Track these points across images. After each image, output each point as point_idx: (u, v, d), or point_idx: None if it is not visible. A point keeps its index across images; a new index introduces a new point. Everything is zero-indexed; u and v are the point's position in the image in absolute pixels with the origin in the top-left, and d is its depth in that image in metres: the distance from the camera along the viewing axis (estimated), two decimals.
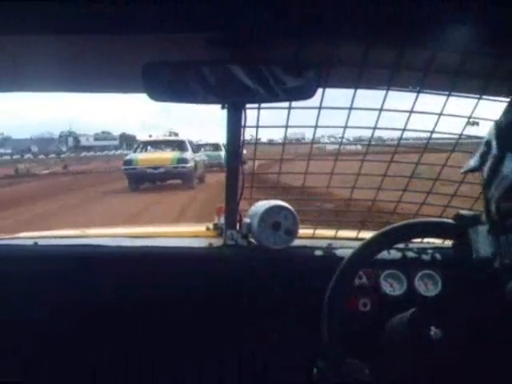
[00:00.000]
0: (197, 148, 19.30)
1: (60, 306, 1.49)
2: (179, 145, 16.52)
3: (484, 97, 1.29)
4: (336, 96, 1.41)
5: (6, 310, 1.45)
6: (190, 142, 17.17)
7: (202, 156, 17.73)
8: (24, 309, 1.47)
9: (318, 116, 1.34)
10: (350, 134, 1.69)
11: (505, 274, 0.93)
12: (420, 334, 1.14)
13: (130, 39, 1.14)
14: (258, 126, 1.39)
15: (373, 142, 1.60)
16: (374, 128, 1.38)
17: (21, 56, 1.24)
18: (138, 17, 1.03)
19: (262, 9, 1.03)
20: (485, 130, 1.07)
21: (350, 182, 1.58)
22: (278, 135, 1.72)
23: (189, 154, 15.50)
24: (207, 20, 1.05)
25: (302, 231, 1.59)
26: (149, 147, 18.06)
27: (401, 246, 1.54)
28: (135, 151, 17.39)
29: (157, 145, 18.53)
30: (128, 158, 15.97)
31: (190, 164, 14.59)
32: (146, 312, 1.53)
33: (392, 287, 1.48)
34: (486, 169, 0.94)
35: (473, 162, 0.98)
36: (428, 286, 1.48)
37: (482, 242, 1.03)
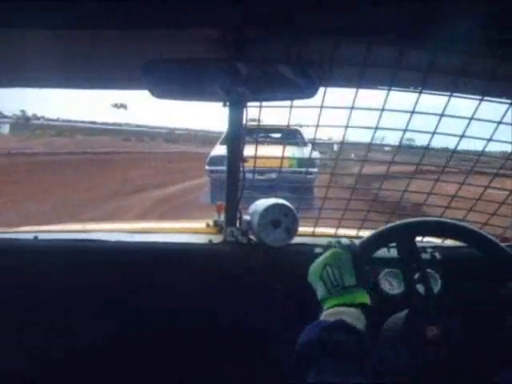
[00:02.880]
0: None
1: (60, 299, 1.49)
2: (293, 136, 9.27)
3: (486, 98, 1.29)
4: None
5: (6, 303, 1.46)
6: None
7: None
8: (24, 302, 1.47)
9: (320, 115, 1.34)
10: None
11: None
12: (418, 333, 1.14)
13: (132, 36, 1.14)
14: (259, 125, 1.39)
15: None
16: (376, 128, 1.38)
17: (22, 52, 1.24)
18: (140, 13, 1.02)
19: (264, 7, 1.02)
20: None
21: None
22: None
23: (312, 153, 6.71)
24: (209, 18, 1.05)
25: (301, 229, 1.59)
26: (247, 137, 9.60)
27: None
28: (223, 143, 10.54)
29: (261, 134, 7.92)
30: (215, 154, 9.84)
31: (316, 169, 6.78)
32: (145, 307, 1.53)
33: (391, 285, 1.48)
34: None
35: None
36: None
37: None
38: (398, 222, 1.30)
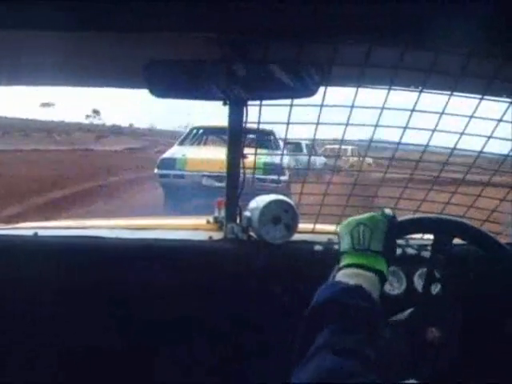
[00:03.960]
0: None
1: (60, 296, 1.50)
2: (264, 139, 7.15)
3: (486, 97, 1.29)
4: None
5: (5, 300, 1.46)
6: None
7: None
8: (24, 299, 1.47)
9: (320, 114, 1.34)
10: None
11: None
12: (418, 333, 1.15)
13: (133, 37, 1.14)
14: (259, 122, 1.39)
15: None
16: (376, 126, 1.38)
17: (24, 51, 1.24)
18: (140, 15, 1.02)
19: (265, 7, 1.02)
20: None
21: None
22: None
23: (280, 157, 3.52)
24: (210, 19, 1.04)
25: (301, 226, 1.60)
26: (207, 137, 10.28)
27: (400, 242, 1.55)
28: (183, 143, 9.43)
29: (220, 135, 8.73)
30: (168, 155, 8.57)
31: (285, 177, 5.69)
32: (145, 304, 1.53)
33: (391, 285, 1.48)
34: None
35: None
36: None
37: None
38: (441, 216, 1.29)
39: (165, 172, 8.02)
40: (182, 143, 9.41)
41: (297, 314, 1.46)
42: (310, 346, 0.81)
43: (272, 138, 6.86)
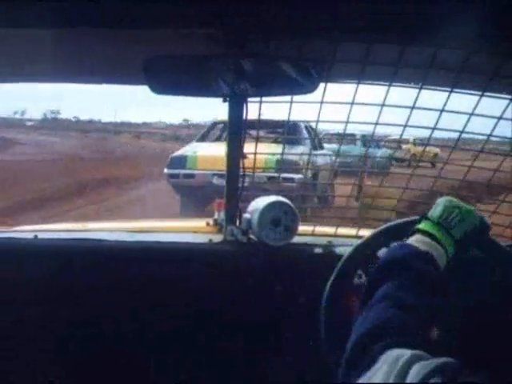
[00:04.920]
0: None
1: (60, 299, 1.49)
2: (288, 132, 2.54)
3: (486, 94, 1.30)
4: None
5: (5, 303, 1.45)
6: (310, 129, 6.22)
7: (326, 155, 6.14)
8: (24, 301, 1.47)
9: (320, 111, 1.34)
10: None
11: None
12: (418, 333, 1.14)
13: (133, 33, 1.15)
14: (259, 120, 1.39)
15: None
16: (376, 123, 1.38)
17: (24, 48, 1.25)
18: (140, 11, 1.03)
19: (265, 4, 1.03)
20: None
21: None
22: None
23: (300, 151, 4.44)
24: (210, 15, 1.05)
25: (301, 228, 1.59)
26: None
27: None
28: (203, 139, 8.40)
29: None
30: (178, 153, 7.75)
31: (299, 176, 4.40)
32: (145, 306, 1.53)
33: None
34: None
35: None
36: None
37: None
38: (398, 221, 1.29)
39: (174, 172, 7.27)
40: (201, 139, 8.34)
41: (297, 316, 1.47)
42: (373, 296, 0.86)
43: (298, 130, 6.18)
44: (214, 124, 8.75)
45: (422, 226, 1.06)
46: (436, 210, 1.08)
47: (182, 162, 7.34)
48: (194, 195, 7.05)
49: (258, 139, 1.51)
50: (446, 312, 1.19)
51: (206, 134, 8.52)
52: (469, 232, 1.07)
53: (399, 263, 0.93)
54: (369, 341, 0.75)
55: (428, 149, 1.69)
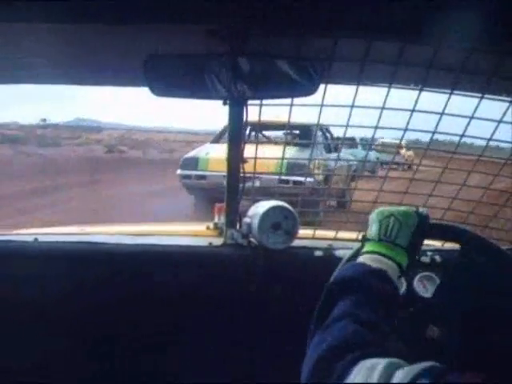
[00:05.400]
0: None
1: (60, 301, 1.49)
2: (301, 135, 6.97)
3: (486, 95, 1.29)
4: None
5: (5, 306, 1.45)
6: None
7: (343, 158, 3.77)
8: (24, 304, 1.46)
9: (320, 113, 1.34)
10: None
11: None
12: (418, 331, 1.13)
13: (132, 31, 1.14)
14: (259, 122, 1.39)
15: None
16: (376, 127, 1.38)
17: (21, 48, 1.25)
18: (139, 7, 1.03)
19: (266, 3, 1.03)
20: None
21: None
22: None
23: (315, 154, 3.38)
24: (210, 12, 1.05)
25: (302, 231, 1.59)
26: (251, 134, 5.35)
27: None
28: (218, 140, 7.97)
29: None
30: (190, 155, 7.86)
31: (309, 179, 4.10)
32: (145, 310, 1.52)
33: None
34: None
35: None
36: (427, 287, 1.47)
37: None
38: (467, 229, 1.29)
39: (186, 173, 7.36)
40: (216, 140, 8.00)
41: (297, 319, 1.46)
42: (328, 315, 0.85)
43: (310, 133, 6.05)
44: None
45: (366, 248, 1.04)
46: (372, 229, 1.07)
47: (193, 163, 7.39)
48: (204, 197, 6.95)
49: (258, 142, 1.51)
50: (446, 311, 1.19)
51: (220, 134, 8.18)
52: (413, 233, 1.06)
53: (354, 281, 0.92)
54: (334, 357, 0.73)
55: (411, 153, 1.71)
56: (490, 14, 1.00)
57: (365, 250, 1.04)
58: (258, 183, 2.08)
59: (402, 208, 1.11)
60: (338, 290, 0.91)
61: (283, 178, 3.16)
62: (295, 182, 4.30)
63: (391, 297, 0.93)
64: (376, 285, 0.91)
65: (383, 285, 0.92)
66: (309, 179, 4.10)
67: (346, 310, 0.84)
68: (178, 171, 7.44)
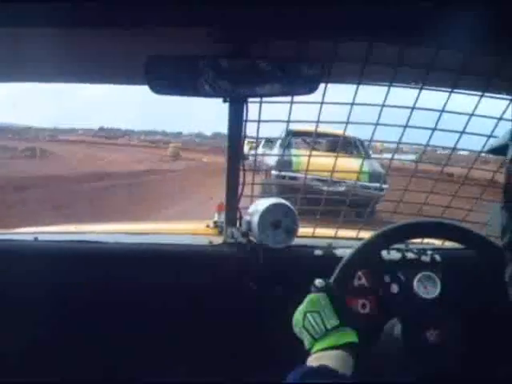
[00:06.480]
0: None
1: (59, 301, 1.49)
2: (354, 146, 7.65)
3: (486, 94, 1.30)
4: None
5: (4, 305, 1.45)
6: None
7: None
8: (23, 304, 1.46)
9: (320, 111, 1.34)
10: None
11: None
12: (417, 336, 1.14)
13: (133, 32, 1.14)
14: (259, 121, 1.39)
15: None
16: (376, 124, 1.38)
17: (23, 46, 1.25)
18: (140, 9, 1.03)
19: (266, 4, 1.03)
20: None
21: None
22: None
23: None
24: (210, 14, 1.05)
25: (302, 230, 1.59)
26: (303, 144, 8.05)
27: (400, 246, 1.54)
28: (287, 146, 6.10)
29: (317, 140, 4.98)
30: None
31: (387, 185, 4.08)
32: (144, 309, 1.52)
33: (391, 289, 1.47)
34: None
35: (503, 137, 0.95)
36: (427, 288, 1.47)
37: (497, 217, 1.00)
38: (398, 223, 1.29)
39: (279, 172, 6.63)
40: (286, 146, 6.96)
41: None
42: None
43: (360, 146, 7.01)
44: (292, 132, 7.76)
45: (311, 354, 1.07)
46: (305, 339, 1.11)
47: (287, 164, 6.41)
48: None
49: (257, 143, 1.52)
50: (446, 314, 1.19)
51: (286, 141, 7.65)
52: (333, 306, 1.10)
53: None
54: None
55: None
56: (490, 16, 1.00)
57: (312, 357, 1.06)
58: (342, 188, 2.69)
59: (306, 299, 1.16)
60: None
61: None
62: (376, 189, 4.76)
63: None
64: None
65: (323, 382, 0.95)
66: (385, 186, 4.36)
67: None
68: (273, 172, 6.70)
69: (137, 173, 14.41)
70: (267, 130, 1.47)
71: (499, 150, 0.88)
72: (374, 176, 5.14)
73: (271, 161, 5.69)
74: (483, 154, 1.46)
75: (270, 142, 7.66)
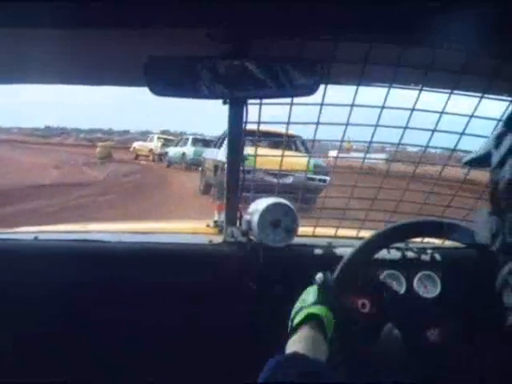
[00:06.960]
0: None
1: (59, 300, 1.49)
2: (297, 143, 8.13)
3: (486, 95, 1.29)
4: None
5: (5, 305, 1.45)
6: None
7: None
8: (23, 303, 1.46)
9: (320, 112, 1.34)
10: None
11: (505, 254, 0.90)
12: (417, 335, 1.14)
13: (133, 33, 1.14)
14: (259, 122, 1.39)
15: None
16: (376, 125, 1.38)
17: (23, 48, 1.24)
18: (140, 10, 1.03)
19: (265, 4, 1.03)
20: None
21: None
22: None
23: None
24: (210, 15, 1.05)
25: (302, 229, 1.59)
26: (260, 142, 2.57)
27: (400, 245, 1.54)
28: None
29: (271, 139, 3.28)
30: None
31: (329, 177, 5.92)
32: (145, 308, 1.52)
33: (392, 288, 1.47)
34: (502, 148, 0.89)
35: (484, 146, 0.94)
36: (427, 287, 1.48)
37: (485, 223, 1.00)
38: (398, 222, 1.29)
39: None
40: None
41: None
42: None
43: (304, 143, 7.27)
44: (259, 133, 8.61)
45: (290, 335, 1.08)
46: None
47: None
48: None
49: (257, 144, 1.52)
50: (446, 314, 1.20)
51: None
52: (321, 292, 1.12)
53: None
54: None
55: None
56: (490, 16, 1.00)
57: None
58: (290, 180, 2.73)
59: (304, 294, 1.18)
60: None
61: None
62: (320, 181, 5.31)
63: (312, 378, 0.91)
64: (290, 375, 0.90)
65: (299, 371, 0.91)
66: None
67: None
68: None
69: (34, 189, 10.90)
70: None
71: (480, 161, 0.87)
72: (318, 169, 5.60)
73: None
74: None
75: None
